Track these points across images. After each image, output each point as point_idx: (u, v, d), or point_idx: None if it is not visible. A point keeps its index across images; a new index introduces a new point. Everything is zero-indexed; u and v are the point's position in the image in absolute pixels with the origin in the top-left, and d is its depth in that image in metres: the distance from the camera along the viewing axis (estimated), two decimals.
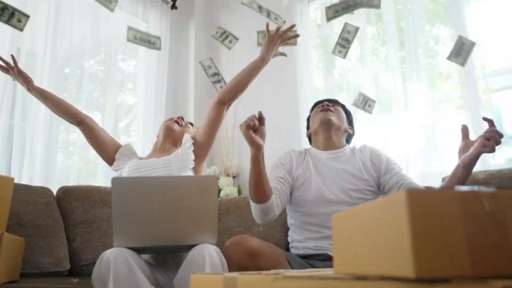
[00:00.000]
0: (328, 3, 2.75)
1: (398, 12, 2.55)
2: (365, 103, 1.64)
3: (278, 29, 1.70)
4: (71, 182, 2.44)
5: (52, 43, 2.47)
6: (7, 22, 1.56)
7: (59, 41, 2.51)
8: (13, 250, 1.43)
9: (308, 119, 1.82)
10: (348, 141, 1.76)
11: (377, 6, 1.67)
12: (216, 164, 2.93)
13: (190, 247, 1.26)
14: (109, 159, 1.80)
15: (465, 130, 1.39)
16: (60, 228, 1.94)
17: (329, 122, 1.66)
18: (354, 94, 2.59)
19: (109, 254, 1.19)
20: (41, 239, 1.82)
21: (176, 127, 1.85)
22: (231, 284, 0.67)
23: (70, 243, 1.95)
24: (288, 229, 1.68)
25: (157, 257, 1.44)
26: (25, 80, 1.82)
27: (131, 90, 3.16)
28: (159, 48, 1.73)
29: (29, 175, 2.26)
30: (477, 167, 1.42)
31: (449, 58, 1.47)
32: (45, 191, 2.01)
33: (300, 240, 1.55)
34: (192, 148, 1.71)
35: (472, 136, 1.40)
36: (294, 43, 1.69)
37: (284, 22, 1.65)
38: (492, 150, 1.26)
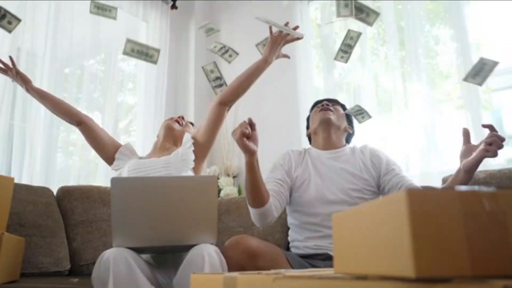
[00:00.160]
0: (328, 3, 2.77)
1: (398, 12, 2.55)
2: (360, 114, 1.63)
3: (281, 30, 1.69)
4: (71, 182, 2.44)
5: (52, 43, 2.47)
6: None
7: (59, 41, 2.51)
8: (13, 250, 1.43)
9: (307, 119, 1.82)
10: (348, 140, 1.76)
11: (370, 24, 1.66)
12: (216, 164, 2.93)
13: (189, 247, 1.26)
14: (109, 159, 1.80)
15: (466, 134, 1.39)
16: (60, 228, 1.94)
17: (328, 121, 1.66)
18: (354, 94, 2.59)
19: (109, 254, 1.19)
20: (41, 239, 1.82)
21: (176, 126, 1.85)
22: (231, 284, 0.67)
23: (70, 243, 1.95)
24: (288, 229, 1.68)
25: (157, 257, 1.44)
26: (24, 81, 1.81)
27: (131, 90, 3.17)
28: (155, 62, 1.69)
29: (29, 175, 2.27)
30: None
31: (465, 79, 1.43)
32: (45, 191, 2.01)
33: (300, 240, 1.55)
34: (192, 148, 1.71)
35: (473, 136, 1.40)
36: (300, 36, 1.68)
37: (287, 23, 1.64)
38: (495, 155, 1.26)
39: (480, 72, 1.37)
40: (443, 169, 2.07)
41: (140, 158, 1.81)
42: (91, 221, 2.03)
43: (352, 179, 1.57)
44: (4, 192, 1.42)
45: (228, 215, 2.18)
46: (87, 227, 2.01)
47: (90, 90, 2.72)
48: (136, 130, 2.96)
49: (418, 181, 2.11)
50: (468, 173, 1.34)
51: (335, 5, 1.59)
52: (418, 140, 2.30)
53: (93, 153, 1.92)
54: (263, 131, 2.82)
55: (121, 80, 2.96)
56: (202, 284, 0.80)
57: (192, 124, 1.97)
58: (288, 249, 1.66)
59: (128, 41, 1.65)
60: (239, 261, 1.26)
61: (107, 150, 1.80)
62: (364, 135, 2.18)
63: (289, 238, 1.65)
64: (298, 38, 1.69)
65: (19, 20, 1.56)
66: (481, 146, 1.28)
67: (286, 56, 1.76)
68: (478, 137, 1.93)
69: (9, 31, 1.61)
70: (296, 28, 1.68)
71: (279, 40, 1.68)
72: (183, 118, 1.92)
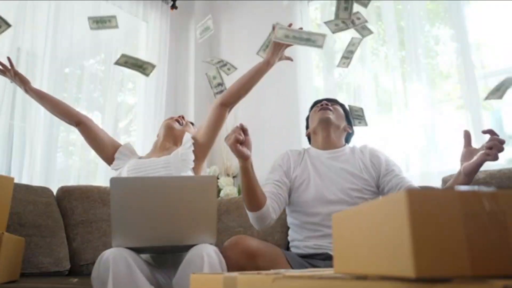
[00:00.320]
0: (328, 3, 2.76)
1: (398, 12, 2.55)
2: (358, 117, 1.63)
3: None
4: (71, 182, 2.44)
5: (52, 43, 2.47)
6: None
7: (59, 41, 2.51)
8: (13, 250, 1.43)
9: (307, 119, 1.82)
10: (347, 140, 1.76)
11: (364, 35, 1.64)
12: (216, 164, 2.93)
13: (189, 247, 1.26)
14: (108, 159, 1.80)
15: (467, 137, 1.38)
16: (60, 228, 1.94)
17: (327, 120, 1.66)
18: (354, 94, 2.59)
19: (109, 254, 1.19)
20: (41, 239, 1.82)
21: (176, 126, 1.85)
22: (231, 284, 0.67)
23: (70, 243, 1.95)
24: (288, 229, 1.68)
25: (157, 257, 1.44)
26: (22, 82, 1.81)
27: (131, 90, 3.17)
28: (147, 75, 1.66)
29: (29, 175, 2.27)
30: None
31: (487, 98, 1.41)
32: (45, 191, 2.01)
33: (300, 239, 1.55)
34: (192, 148, 1.71)
35: (473, 137, 1.40)
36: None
37: (291, 24, 1.63)
38: (495, 159, 1.26)
39: (501, 86, 1.37)
40: (443, 169, 2.07)
41: (140, 157, 1.81)
42: (91, 221, 2.03)
43: (351, 179, 1.57)
44: (4, 192, 1.42)
45: (228, 215, 2.18)
46: (87, 227, 2.01)
47: (90, 90, 2.72)
48: (136, 130, 2.96)
49: (418, 181, 2.11)
50: (468, 176, 1.33)
51: (334, 6, 1.57)
52: (418, 140, 2.30)
53: (93, 153, 1.92)
54: (263, 131, 2.85)
55: (121, 80, 2.96)
56: (202, 284, 0.80)
57: (192, 124, 1.97)
58: (288, 249, 1.66)
59: (123, 55, 1.63)
60: (238, 261, 1.26)
61: (107, 150, 1.80)
62: (364, 135, 2.18)
63: (289, 238, 1.65)
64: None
65: (8, 25, 1.55)
66: (482, 150, 1.28)
67: (288, 58, 1.75)
68: (478, 137, 1.93)
69: None
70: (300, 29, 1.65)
71: (282, 42, 1.67)
72: (183, 117, 1.92)
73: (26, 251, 1.62)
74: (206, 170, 2.84)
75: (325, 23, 1.63)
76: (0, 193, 1.40)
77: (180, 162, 1.66)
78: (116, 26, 1.71)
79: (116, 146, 1.82)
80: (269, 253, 1.36)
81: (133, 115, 3.10)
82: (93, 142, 1.82)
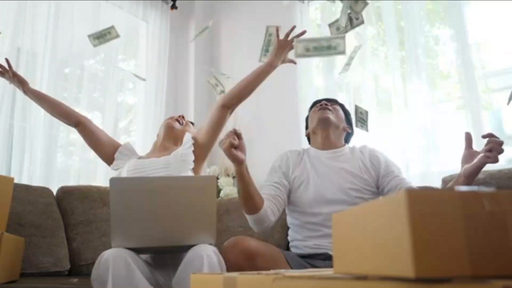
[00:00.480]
0: (328, 3, 2.76)
1: (398, 12, 2.55)
2: (361, 121, 1.63)
3: (287, 34, 1.66)
4: (71, 182, 2.44)
5: (52, 43, 2.47)
6: None
7: (59, 41, 2.51)
8: (13, 250, 1.43)
9: (306, 119, 1.82)
10: (347, 140, 1.76)
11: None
12: (216, 164, 2.93)
13: (188, 247, 1.26)
14: (108, 159, 1.80)
15: (468, 139, 1.38)
16: (60, 228, 1.94)
17: (327, 120, 1.66)
18: (354, 94, 2.59)
19: (108, 254, 1.19)
20: (41, 239, 1.82)
21: (177, 125, 1.85)
22: (231, 284, 0.67)
23: (70, 243, 1.95)
24: (288, 229, 1.68)
25: (156, 257, 1.44)
26: (21, 83, 1.81)
27: (131, 90, 3.17)
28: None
29: (29, 175, 2.26)
30: None
31: (509, 103, 1.40)
32: (45, 191, 2.01)
33: (300, 239, 1.55)
34: (192, 148, 1.71)
35: (473, 137, 1.40)
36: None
37: (294, 27, 1.63)
38: (495, 161, 1.26)
39: None
40: (443, 169, 2.07)
41: (140, 157, 1.80)
42: (90, 221, 2.03)
43: (351, 179, 1.57)
44: (4, 192, 1.42)
45: (228, 215, 2.18)
46: (86, 227, 2.01)
47: (90, 90, 2.72)
48: (136, 130, 2.96)
49: (418, 181, 2.11)
50: (468, 178, 1.33)
51: (335, 7, 1.59)
52: (418, 140, 2.30)
53: (93, 153, 1.92)
54: (263, 131, 2.85)
55: (121, 80, 2.96)
56: (202, 284, 0.80)
57: (192, 123, 1.97)
58: (288, 249, 1.66)
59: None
60: (238, 261, 1.26)
61: (106, 150, 1.80)
62: (364, 135, 2.18)
63: (289, 238, 1.65)
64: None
65: None
66: (483, 153, 1.28)
67: (292, 61, 1.75)
68: (478, 138, 1.93)
69: None
70: (303, 32, 1.64)
71: (286, 45, 1.67)
72: (183, 117, 1.92)
73: (26, 251, 1.62)
74: (206, 170, 2.84)
75: (329, 25, 1.63)
76: (0, 193, 1.40)
77: (180, 163, 1.65)
78: (117, 36, 1.73)
79: (115, 146, 1.82)
80: (269, 253, 1.36)
81: (133, 115, 3.10)
82: (92, 143, 1.81)
